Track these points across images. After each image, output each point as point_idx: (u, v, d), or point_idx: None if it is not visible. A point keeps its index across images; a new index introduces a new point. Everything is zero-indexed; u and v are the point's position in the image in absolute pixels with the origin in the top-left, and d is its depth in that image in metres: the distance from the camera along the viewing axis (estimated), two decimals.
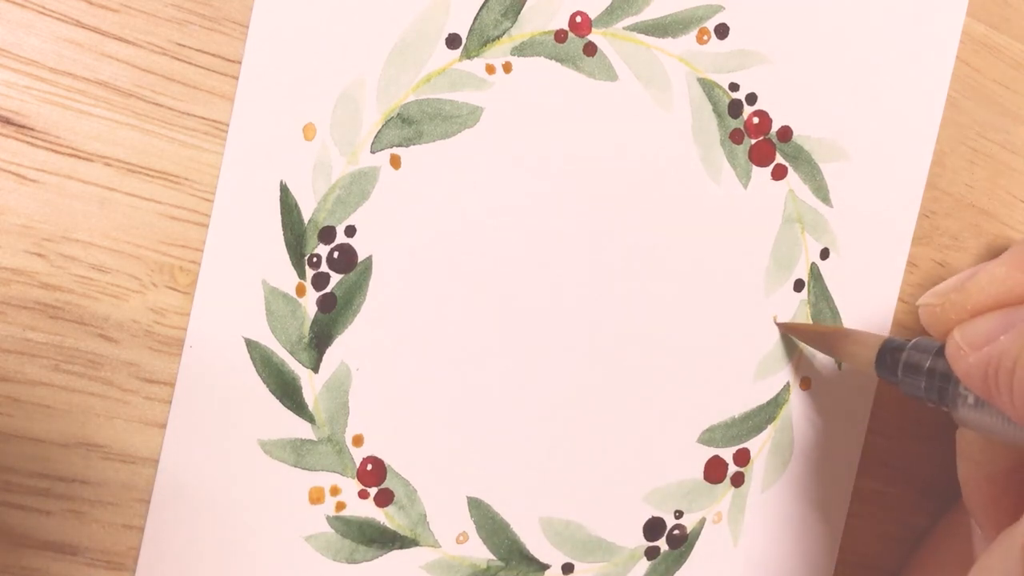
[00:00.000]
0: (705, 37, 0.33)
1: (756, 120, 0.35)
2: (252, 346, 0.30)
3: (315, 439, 0.30)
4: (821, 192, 0.36)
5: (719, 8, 0.33)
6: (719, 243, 0.35)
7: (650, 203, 0.33)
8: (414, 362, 0.31)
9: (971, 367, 0.26)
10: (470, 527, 0.33)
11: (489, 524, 0.33)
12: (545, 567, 0.34)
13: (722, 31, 0.34)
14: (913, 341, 0.29)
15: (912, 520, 0.40)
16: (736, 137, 0.34)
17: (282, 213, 0.30)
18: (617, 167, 0.33)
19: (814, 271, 0.36)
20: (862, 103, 0.36)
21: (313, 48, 0.29)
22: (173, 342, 0.29)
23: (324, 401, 0.30)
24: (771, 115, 0.35)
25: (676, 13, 0.33)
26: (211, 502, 0.30)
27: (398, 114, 0.30)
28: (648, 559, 0.35)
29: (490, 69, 0.31)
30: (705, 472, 0.35)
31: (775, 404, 0.36)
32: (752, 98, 0.34)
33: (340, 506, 0.31)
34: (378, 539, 0.32)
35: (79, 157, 0.27)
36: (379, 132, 0.30)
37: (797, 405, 0.36)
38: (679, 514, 0.35)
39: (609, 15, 0.32)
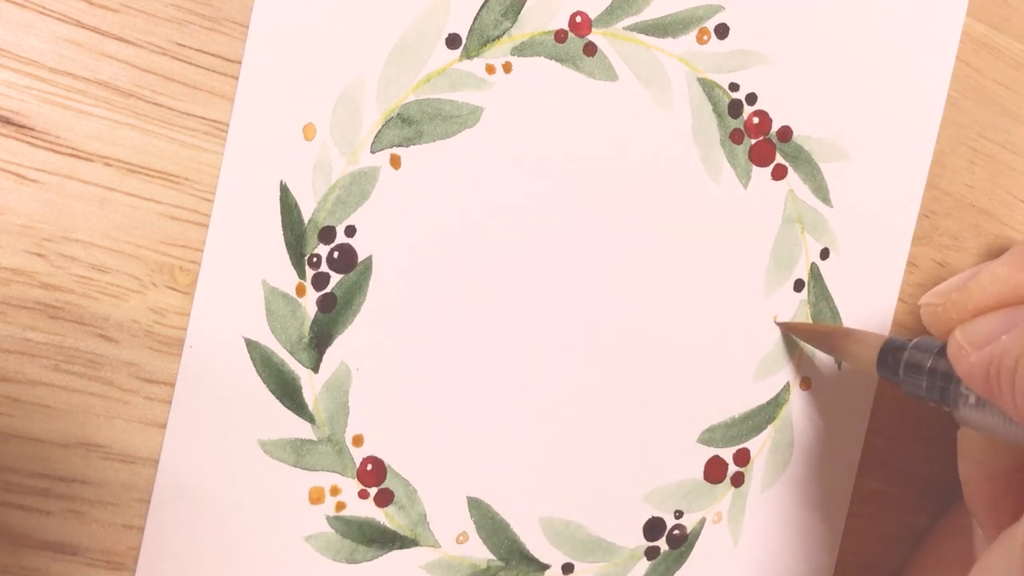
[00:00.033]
0: (705, 37, 0.33)
1: (756, 120, 0.35)
2: (252, 346, 0.30)
3: (315, 439, 0.30)
4: (821, 192, 0.36)
5: (719, 8, 0.33)
6: (719, 243, 0.35)
7: (650, 203, 0.33)
8: (414, 362, 0.31)
9: (973, 367, 0.26)
10: (470, 527, 0.33)
11: (489, 524, 0.33)
12: (545, 567, 0.34)
13: (722, 31, 0.34)
14: (915, 341, 0.29)
15: (912, 520, 0.40)
16: (736, 137, 0.34)
17: (282, 213, 0.30)
18: (617, 167, 0.33)
19: (814, 271, 0.36)
20: (862, 103, 0.36)
21: (313, 48, 0.29)
22: (173, 342, 0.29)
23: (324, 401, 0.30)
24: (771, 115, 0.35)
25: (676, 13, 0.33)
26: (211, 502, 0.30)
27: (398, 114, 0.30)
28: (648, 559, 0.35)
29: (490, 69, 0.31)
30: (705, 472, 0.35)
31: (775, 404, 0.36)
32: (752, 98, 0.34)
33: (340, 506, 0.31)
34: (378, 539, 0.32)
35: (79, 157, 0.27)
36: (379, 132, 0.30)
37: (797, 405, 0.36)
38: (679, 514, 0.35)
39: (609, 15, 0.32)
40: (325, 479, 0.31)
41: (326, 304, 0.30)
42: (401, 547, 0.32)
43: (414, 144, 0.31)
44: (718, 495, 0.36)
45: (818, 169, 0.36)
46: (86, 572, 0.29)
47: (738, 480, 0.36)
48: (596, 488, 0.34)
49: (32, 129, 0.27)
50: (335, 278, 0.30)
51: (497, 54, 0.31)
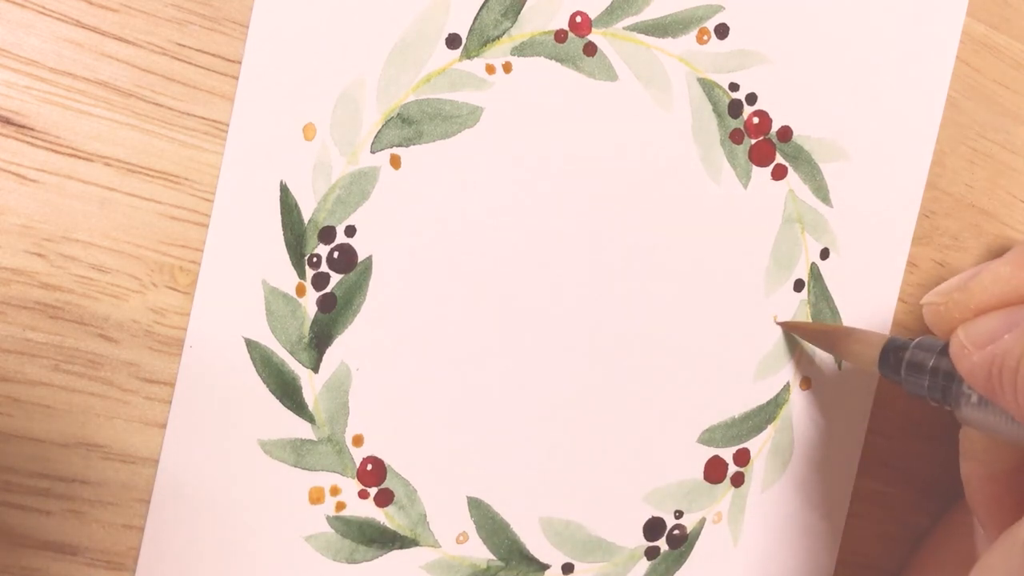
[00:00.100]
0: (705, 37, 0.33)
1: (756, 120, 0.35)
2: (252, 346, 0.30)
3: (315, 439, 0.30)
4: (821, 192, 0.36)
5: (719, 8, 0.33)
6: (719, 243, 0.35)
7: (650, 203, 0.33)
8: (414, 362, 0.31)
9: (975, 366, 0.26)
10: (470, 527, 0.33)
11: (489, 524, 0.33)
12: (545, 567, 0.34)
13: (722, 31, 0.34)
14: (916, 340, 0.29)
15: (912, 520, 0.40)
16: (736, 137, 0.34)
17: (282, 213, 0.30)
18: (617, 167, 0.33)
19: (814, 271, 0.36)
20: (862, 103, 0.36)
21: (313, 48, 0.29)
22: (173, 342, 0.29)
23: (324, 401, 0.30)
24: (771, 115, 0.35)
25: (676, 13, 0.33)
26: (211, 502, 0.29)
27: (398, 114, 0.30)
28: (648, 559, 0.35)
29: (490, 69, 0.31)
30: (705, 472, 0.35)
31: (775, 404, 0.36)
32: (752, 98, 0.34)
33: (340, 506, 0.31)
34: (378, 539, 0.32)
35: (79, 157, 0.27)
36: (379, 132, 0.30)
37: (797, 405, 0.36)
38: (679, 514, 0.35)
39: (609, 15, 0.32)
40: (325, 479, 0.31)
41: (326, 304, 0.30)
42: (401, 547, 0.32)
43: (414, 144, 0.31)
44: (718, 495, 0.36)
45: (818, 169, 0.36)
46: (86, 572, 0.29)
47: (738, 480, 0.36)
48: (596, 488, 0.34)
49: (32, 129, 0.27)
50: (335, 278, 0.30)
51: (497, 54, 0.31)
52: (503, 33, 0.31)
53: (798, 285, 0.36)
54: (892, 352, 0.30)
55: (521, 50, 0.32)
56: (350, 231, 0.30)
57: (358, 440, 0.31)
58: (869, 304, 0.37)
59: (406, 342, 0.31)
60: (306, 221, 0.30)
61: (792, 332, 0.36)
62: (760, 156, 0.35)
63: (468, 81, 0.31)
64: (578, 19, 0.32)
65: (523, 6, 0.31)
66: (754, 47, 0.34)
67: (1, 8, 0.27)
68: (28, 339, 0.27)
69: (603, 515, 0.34)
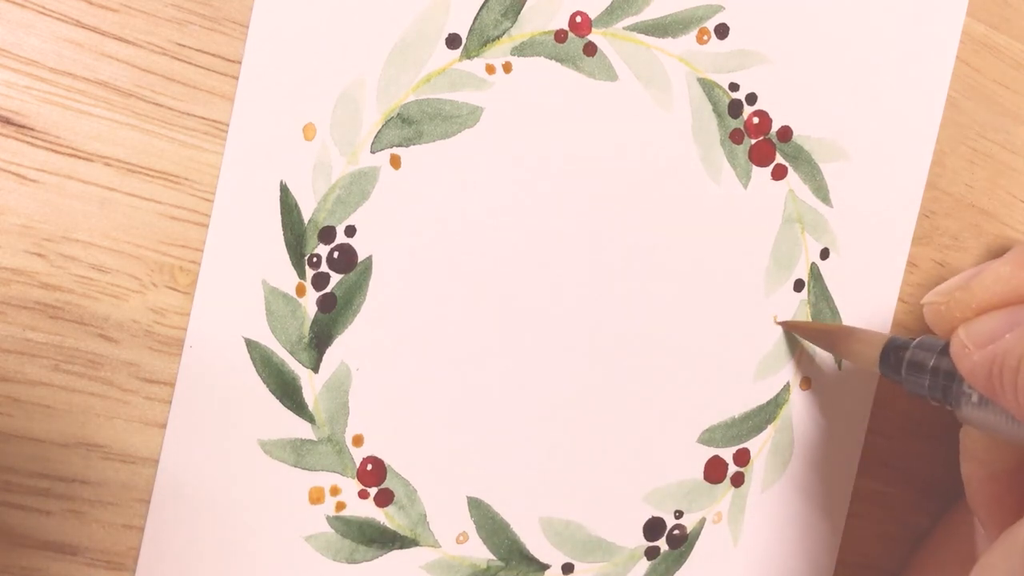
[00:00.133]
0: (705, 37, 0.33)
1: (756, 120, 0.35)
2: (252, 346, 0.30)
3: (315, 439, 0.30)
4: (821, 192, 0.36)
5: (719, 8, 0.33)
6: (719, 243, 0.35)
7: (650, 203, 0.33)
8: (414, 362, 0.31)
9: (975, 365, 0.26)
10: (470, 527, 0.33)
11: (489, 524, 0.33)
12: (545, 567, 0.34)
13: (722, 31, 0.34)
14: (917, 339, 0.30)
15: (912, 520, 0.40)
16: (736, 137, 0.34)
17: (282, 213, 0.30)
18: (617, 167, 0.33)
19: (814, 271, 0.36)
20: (862, 103, 0.36)
21: (313, 48, 0.29)
22: (173, 342, 0.29)
23: (324, 401, 0.30)
24: (771, 115, 0.35)
25: (676, 13, 0.33)
26: (211, 502, 0.29)
27: (398, 114, 0.30)
28: (648, 559, 0.35)
29: (490, 69, 0.31)
30: (705, 472, 0.35)
31: (775, 404, 0.36)
32: (752, 98, 0.34)
33: (340, 506, 0.31)
34: (378, 539, 0.32)
35: (79, 157, 0.27)
36: (379, 132, 0.30)
37: (797, 405, 0.36)
38: (679, 514, 0.35)
39: (609, 15, 0.32)
40: (325, 479, 0.31)
41: (326, 304, 0.30)
42: (401, 547, 0.32)
43: (414, 144, 0.31)
44: (718, 495, 0.36)
45: (818, 169, 0.36)
46: (86, 572, 0.29)
47: (738, 480, 0.36)
48: (596, 488, 0.34)
49: (32, 129, 0.27)
50: (335, 278, 0.30)
51: (497, 54, 0.31)
52: (503, 33, 0.31)
53: (798, 285, 0.36)
54: (893, 351, 0.30)
55: (521, 50, 0.32)
56: (350, 231, 0.30)
57: (358, 440, 0.31)
58: (869, 304, 0.37)
59: (406, 342, 0.31)
60: (306, 221, 0.30)
61: (793, 332, 0.36)
62: (760, 156, 0.35)
63: (468, 81, 0.31)
64: (578, 19, 0.32)
65: (523, 6, 0.31)
66: (754, 47, 0.34)
67: (1, 8, 0.27)
68: (28, 339, 0.27)
69: (603, 515, 0.34)
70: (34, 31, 0.27)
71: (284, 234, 0.30)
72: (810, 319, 0.36)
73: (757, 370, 0.36)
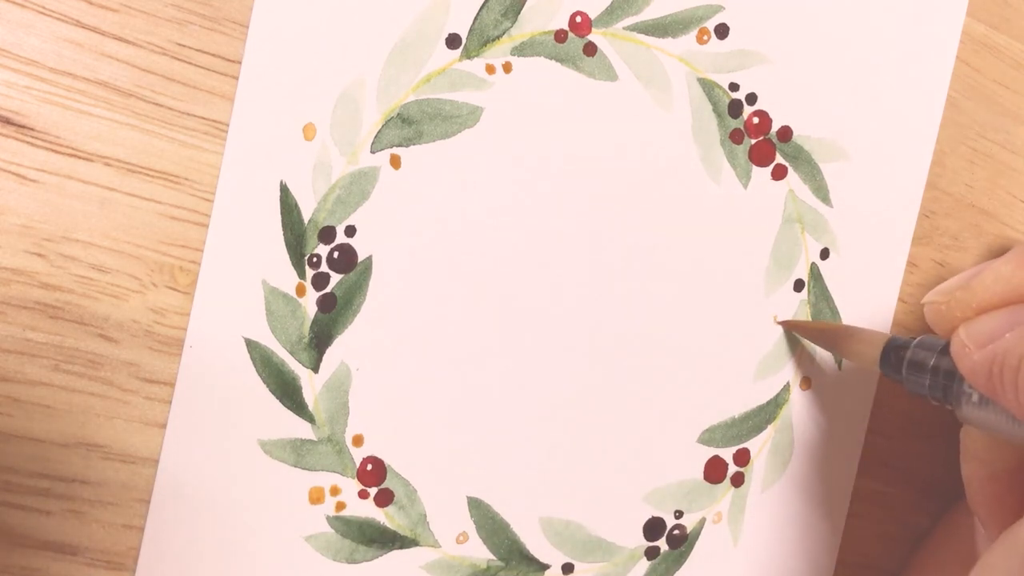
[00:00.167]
0: (705, 37, 0.33)
1: (756, 120, 0.35)
2: (252, 346, 0.30)
3: (315, 439, 0.30)
4: (821, 192, 0.36)
5: (719, 8, 0.33)
6: (719, 243, 0.35)
7: (650, 203, 0.33)
8: (414, 362, 0.31)
9: (976, 364, 0.26)
10: (470, 527, 0.33)
11: (489, 524, 0.33)
12: (545, 567, 0.34)
13: (722, 31, 0.34)
14: (918, 339, 0.30)
15: (912, 520, 0.40)
16: (736, 137, 0.34)
17: (282, 213, 0.30)
18: (617, 167, 0.33)
19: (814, 271, 0.36)
20: (862, 103, 0.36)
21: (313, 48, 0.29)
22: (173, 342, 0.29)
23: (324, 401, 0.30)
24: (771, 115, 0.35)
25: (676, 13, 0.33)
26: (211, 502, 0.29)
27: (398, 114, 0.30)
28: (648, 559, 0.35)
29: (490, 69, 0.31)
30: (705, 472, 0.35)
31: (775, 404, 0.36)
32: (752, 98, 0.34)
33: (340, 506, 0.31)
34: (378, 539, 0.32)
35: (79, 157, 0.27)
36: (379, 132, 0.30)
37: (797, 405, 0.36)
38: (679, 514, 0.35)
39: (609, 15, 0.32)
40: (325, 479, 0.31)
41: (326, 304, 0.30)
42: (401, 547, 0.32)
43: (414, 144, 0.31)
44: (718, 495, 0.36)
45: (818, 169, 0.36)
46: (86, 572, 0.29)
47: (738, 480, 0.36)
48: (596, 488, 0.34)
49: (32, 129, 0.27)
50: (335, 278, 0.30)
51: (497, 54, 0.31)
52: (503, 33, 0.31)
53: (798, 285, 0.36)
54: (893, 351, 0.30)
55: (521, 50, 0.32)
56: (350, 231, 0.30)
57: (358, 440, 0.31)
58: (869, 304, 0.37)
59: (406, 342, 0.31)
60: (306, 221, 0.30)
61: (793, 331, 0.36)
62: (760, 156, 0.35)
63: (468, 81, 0.31)
64: (578, 19, 0.32)
65: (523, 6, 0.31)
66: (754, 47, 0.34)
67: (1, 8, 0.27)
68: (28, 339, 0.27)
69: (603, 515, 0.34)
70: (34, 31, 0.27)
71: (284, 234, 0.30)
72: (810, 319, 0.36)
73: (757, 370, 0.36)
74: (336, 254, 0.30)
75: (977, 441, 0.29)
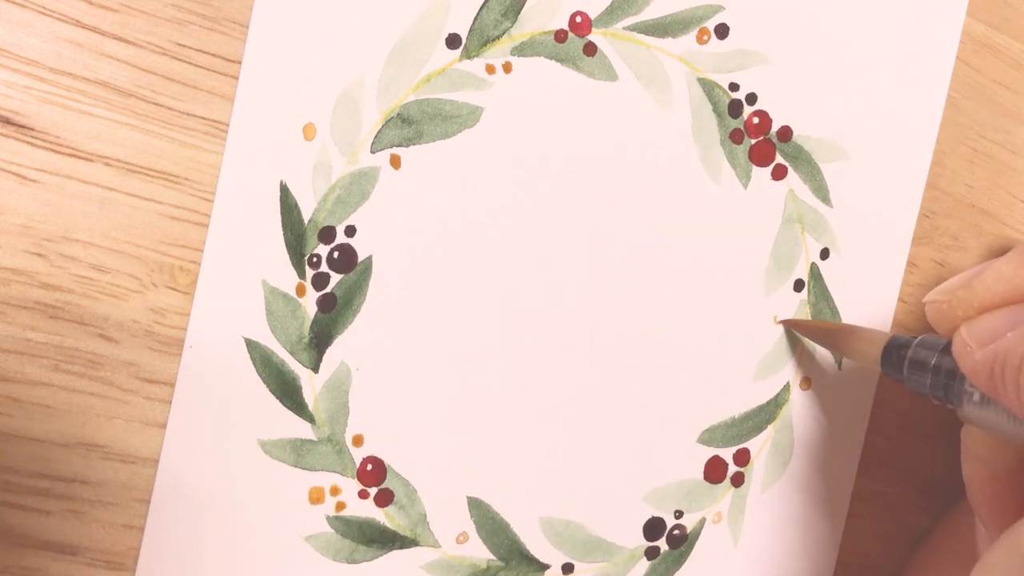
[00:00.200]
0: (705, 37, 0.33)
1: (756, 120, 0.35)
2: (252, 346, 0.30)
3: (315, 439, 0.30)
4: (821, 192, 0.36)
5: (719, 8, 0.33)
6: (719, 243, 0.35)
7: (650, 203, 0.33)
8: (414, 362, 0.31)
9: (977, 364, 0.26)
10: (470, 527, 0.33)
11: (489, 524, 0.33)
12: (545, 567, 0.34)
13: (722, 31, 0.34)
14: (919, 338, 0.29)
15: (912, 520, 0.40)
16: (736, 137, 0.34)
17: (282, 213, 0.30)
18: (617, 167, 0.33)
19: (814, 271, 0.36)
20: (862, 103, 0.36)
21: (313, 48, 0.29)
22: (173, 342, 0.29)
23: (324, 401, 0.30)
24: (771, 115, 0.35)
25: (676, 13, 0.33)
26: (211, 502, 0.29)
27: (398, 114, 0.30)
28: (648, 559, 0.35)
29: (490, 69, 0.31)
30: (705, 472, 0.35)
31: (775, 404, 0.36)
32: (752, 98, 0.34)
33: (340, 506, 0.31)
34: (378, 539, 0.32)
35: (79, 157, 0.27)
36: (379, 132, 0.30)
37: (797, 405, 0.36)
38: (679, 514, 0.35)
39: (609, 15, 0.32)
40: (325, 479, 0.31)
41: (326, 304, 0.30)
42: (401, 547, 0.32)
43: (414, 144, 0.31)
44: (718, 495, 0.36)
45: (818, 169, 0.36)
46: (86, 572, 0.29)
47: (738, 480, 0.36)
48: (596, 488, 0.34)
49: (32, 129, 0.27)
50: (335, 278, 0.30)
51: (497, 54, 0.31)
52: (503, 33, 0.31)
53: (798, 285, 0.36)
54: (894, 350, 0.30)
55: (521, 50, 0.32)
56: (350, 231, 0.30)
57: (358, 440, 0.31)
58: (869, 304, 0.37)
59: (406, 342, 0.31)
60: (306, 221, 0.30)
61: (794, 330, 0.36)
62: (760, 156, 0.35)
63: (468, 81, 0.31)
64: (578, 19, 0.32)
65: (523, 6, 0.31)
66: (754, 47, 0.34)
67: (1, 8, 0.27)
68: (28, 339, 0.27)
69: (603, 515, 0.34)
70: (34, 31, 0.27)
71: (284, 234, 0.30)
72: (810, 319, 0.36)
73: (757, 370, 0.36)
74: (336, 254, 0.30)
75: (978, 440, 0.29)
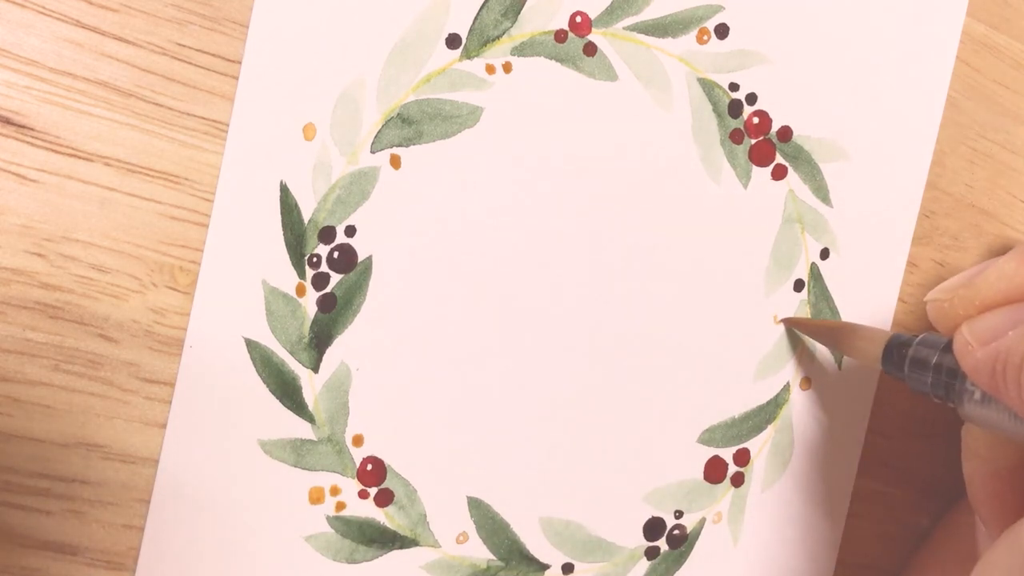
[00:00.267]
0: (705, 37, 0.33)
1: (756, 120, 0.35)
2: (252, 346, 0.30)
3: (315, 439, 0.30)
4: (821, 192, 0.36)
5: (719, 8, 0.33)
6: (719, 243, 0.35)
7: (650, 203, 0.33)
8: (414, 362, 0.31)
9: (978, 362, 0.26)
10: (470, 527, 0.33)
11: (489, 524, 0.33)
12: (545, 567, 0.34)
13: (722, 31, 0.34)
14: (920, 337, 0.30)
15: (912, 520, 0.40)
16: (736, 137, 0.34)
17: (282, 213, 0.30)
18: (617, 167, 0.33)
19: (814, 271, 0.36)
20: (862, 103, 0.36)
21: (313, 48, 0.29)
22: (173, 342, 0.29)
23: (324, 401, 0.30)
24: (771, 115, 0.35)
25: (676, 13, 0.33)
26: (211, 502, 0.29)
27: (398, 114, 0.30)
28: (648, 559, 0.35)
29: (490, 69, 0.31)
30: (705, 472, 0.35)
31: (775, 404, 0.36)
32: (752, 98, 0.34)
33: (340, 506, 0.31)
34: (378, 539, 0.32)
35: (79, 157, 0.27)
36: (379, 132, 0.30)
37: (797, 405, 0.36)
38: (679, 514, 0.35)
39: (609, 15, 0.32)
40: (325, 479, 0.31)
41: (326, 304, 0.30)
42: (401, 547, 0.32)
43: (414, 144, 0.31)
44: (718, 495, 0.36)
45: (818, 169, 0.36)
46: (86, 572, 0.29)
47: (738, 480, 0.36)
48: (596, 488, 0.34)
49: (32, 129, 0.27)
50: (335, 278, 0.30)
51: (497, 54, 0.31)
52: (503, 33, 0.31)
53: (798, 285, 0.36)
54: (896, 348, 0.30)
55: (521, 50, 0.32)
56: (350, 231, 0.30)
57: (358, 440, 0.31)
58: (869, 304, 0.37)
59: (406, 342, 0.31)
60: (306, 221, 0.30)
61: (795, 328, 0.36)
62: (760, 156, 0.35)
63: (468, 81, 0.31)
64: (578, 19, 0.32)
65: (523, 6, 0.31)
66: (754, 47, 0.34)
67: (1, 8, 0.27)
68: (28, 339, 0.27)
69: (603, 515, 0.34)
70: (34, 31, 0.27)
71: (284, 234, 0.30)
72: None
73: (757, 370, 0.36)
74: (336, 254, 0.30)
75: (979, 439, 0.29)
